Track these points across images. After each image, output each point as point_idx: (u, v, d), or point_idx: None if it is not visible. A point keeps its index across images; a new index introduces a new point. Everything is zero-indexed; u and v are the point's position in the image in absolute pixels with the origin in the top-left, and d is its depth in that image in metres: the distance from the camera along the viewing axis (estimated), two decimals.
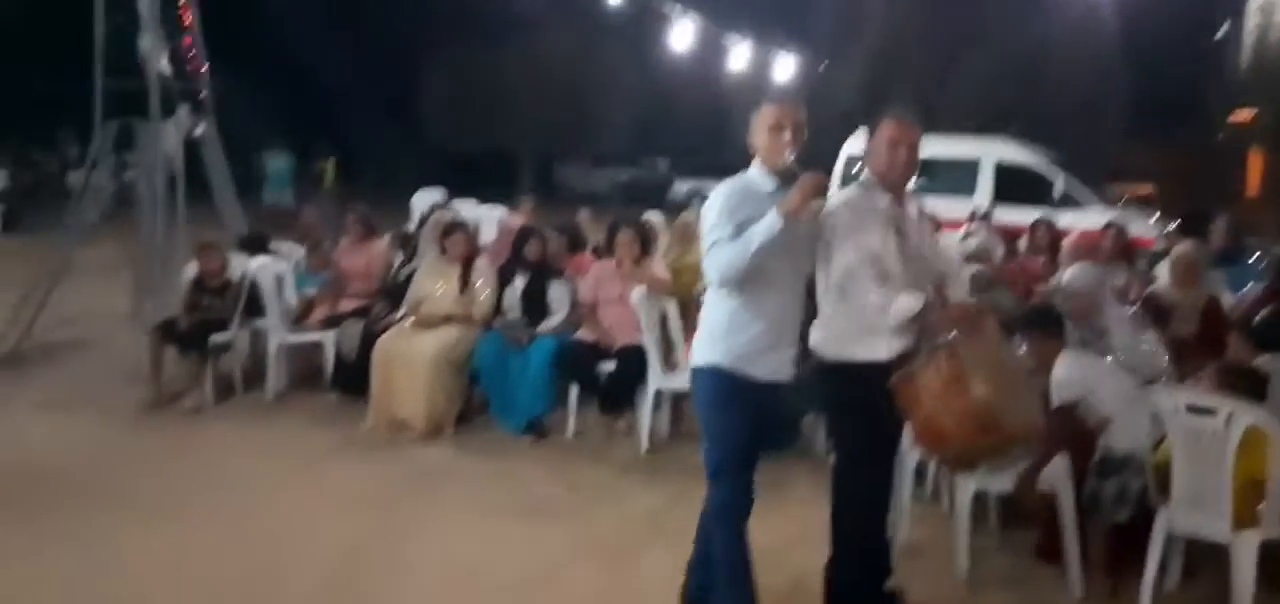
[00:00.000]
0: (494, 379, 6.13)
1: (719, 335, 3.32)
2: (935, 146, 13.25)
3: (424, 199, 11.98)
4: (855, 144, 13.49)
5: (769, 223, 3.08)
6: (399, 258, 7.56)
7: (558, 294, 6.44)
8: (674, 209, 22.91)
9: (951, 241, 8.53)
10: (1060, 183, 12.01)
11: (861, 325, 3.18)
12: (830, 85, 19.33)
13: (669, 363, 5.96)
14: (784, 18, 19.84)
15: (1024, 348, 4.26)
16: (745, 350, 3.27)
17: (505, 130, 28.40)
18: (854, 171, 13.24)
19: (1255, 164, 24.30)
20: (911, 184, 3.40)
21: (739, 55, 15.49)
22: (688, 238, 7.17)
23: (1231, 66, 26.52)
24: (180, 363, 6.72)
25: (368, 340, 6.38)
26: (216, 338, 6.65)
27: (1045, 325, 4.33)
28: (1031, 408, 3.35)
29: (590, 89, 28.14)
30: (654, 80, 26.78)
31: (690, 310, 6.42)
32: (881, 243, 3.18)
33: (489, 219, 10.06)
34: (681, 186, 25.29)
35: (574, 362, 6.11)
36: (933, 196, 12.12)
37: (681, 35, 13.76)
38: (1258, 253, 7.67)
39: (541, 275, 6.48)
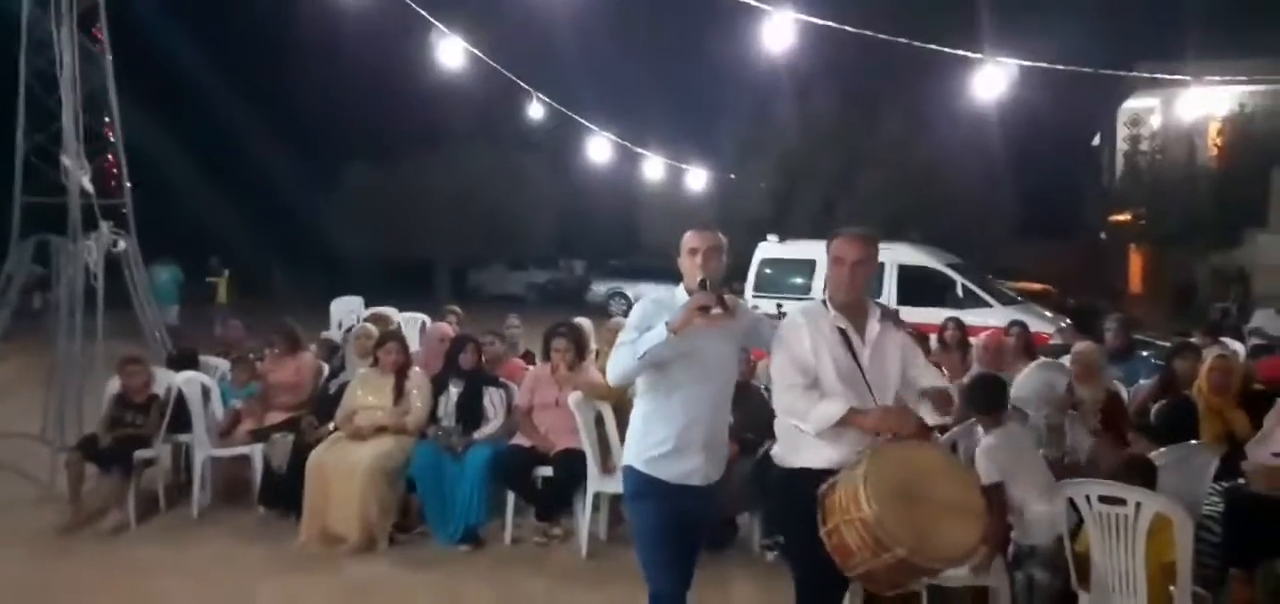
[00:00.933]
0: (429, 488, 6.13)
1: (634, 438, 3.61)
2: None
3: (342, 307, 11.97)
4: (767, 249, 14.02)
5: (655, 334, 3.32)
6: (326, 368, 7.54)
7: (493, 401, 6.51)
8: (593, 310, 23.37)
9: None
10: (960, 283, 12.66)
11: (799, 433, 3.33)
12: (740, 194, 20.01)
13: (606, 466, 6.06)
14: (696, 129, 20.73)
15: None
16: (654, 453, 3.50)
17: (419, 236, 28.46)
18: (768, 273, 13.77)
19: (1136, 262, 26.00)
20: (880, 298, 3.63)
21: (653, 166, 15.95)
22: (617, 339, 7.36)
23: (1107, 172, 28.52)
24: (101, 481, 6.51)
25: (299, 453, 6.32)
26: (140, 454, 6.49)
27: (988, 399, 4.58)
28: (957, 534, 2.92)
29: (506, 195, 28.53)
30: (570, 186, 27.32)
31: (626, 413, 6.58)
32: (814, 354, 3.29)
33: (409, 326, 10.11)
34: (599, 288, 25.73)
35: (510, 468, 6.18)
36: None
37: (598, 148, 14.14)
38: (1145, 350, 8.22)
39: (476, 382, 6.55)
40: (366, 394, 6.45)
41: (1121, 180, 25.95)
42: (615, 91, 21.76)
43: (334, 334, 9.95)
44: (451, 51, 9.52)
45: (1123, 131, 25.89)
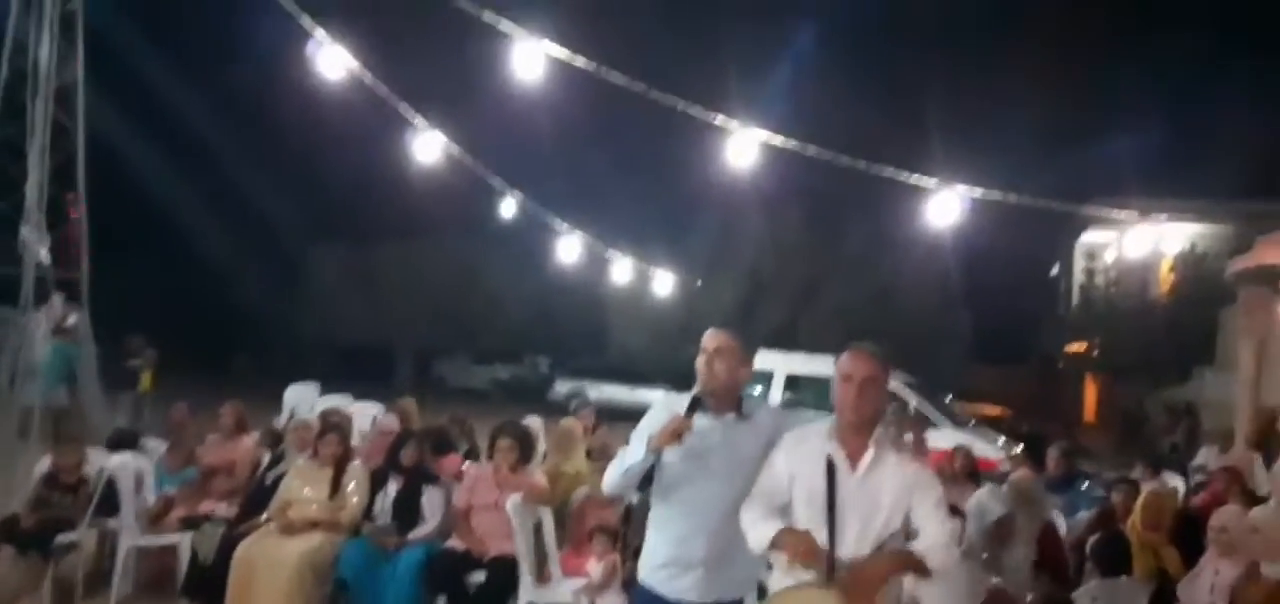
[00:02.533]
0: (360, 589, 5.97)
1: (645, 551, 3.50)
2: (799, 364, 14.06)
3: (296, 394, 11.80)
4: None
5: (635, 448, 3.32)
6: (267, 457, 7.40)
7: (431, 501, 6.41)
8: (555, 409, 23.22)
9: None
10: (913, 402, 12.75)
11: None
12: (706, 301, 20.21)
13: (542, 575, 5.96)
14: (666, 235, 20.99)
15: None
16: (653, 566, 3.43)
17: (383, 324, 28.39)
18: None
19: (1090, 390, 26.38)
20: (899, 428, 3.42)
21: (621, 268, 16.08)
22: (567, 445, 7.31)
23: (1064, 301, 29.12)
24: (16, 564, 6.27)
25: (228, 545, 6.16)
26: (62, 538, 6.29)
27: None
28: None
29: (473, 288, 28.62)
30: (538, 282, 27.43)
31: (568, 520, 6.51)
32: (789, 478, 3.11)
33: (363, 415, 9.97)
34: (562, 387, 25.47)
35: (443, 571, 6.03)
36: (799, 409, 12.98)
37: (568, 249, 14.25)
38: (1087, 480, 8.29)
39: (416, 480, 6.45)
40: (303, 486, 6.33)
41: (1077, 310, 26.51)
42: (586, 192, 22.01)
43: (283, 421, 9.78)
44: (428, 145, 9.67)
45: (1080, 263, 26.55)
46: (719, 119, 8.34)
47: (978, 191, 8.91)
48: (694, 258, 21.35)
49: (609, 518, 6.31)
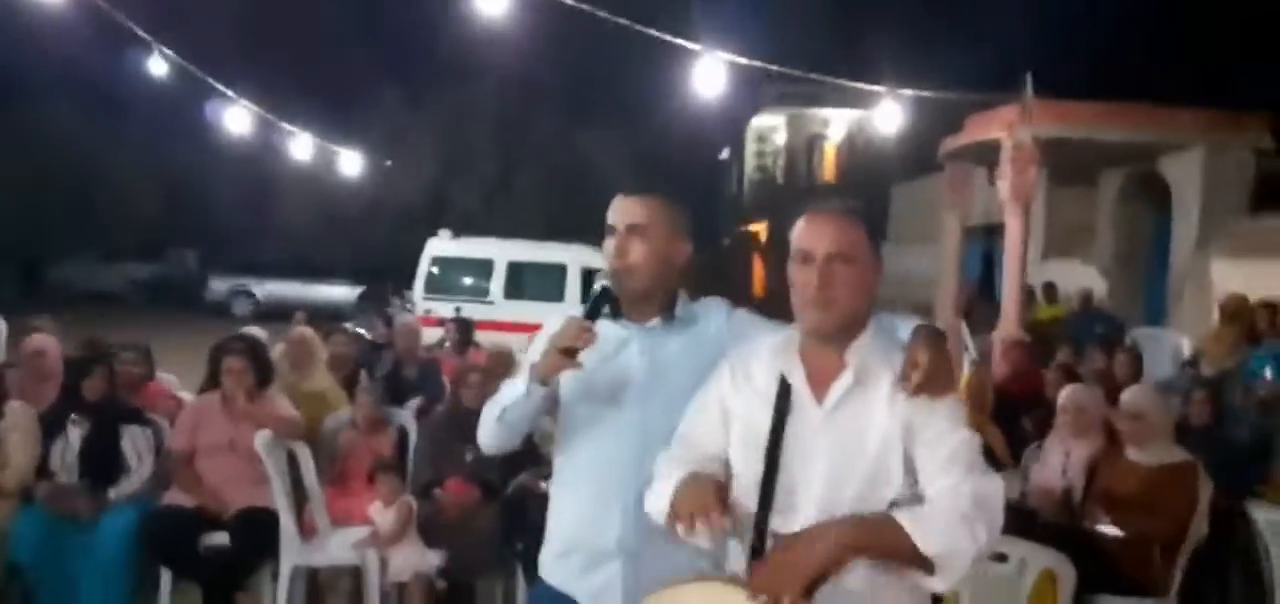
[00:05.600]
0: (43, 574, 4.31)
1: (548, 531, 2.41)
2: (519, 251, 13.16)
3: None
4: (438, 246, 12.84)
5: (514, 386, 2.29)
6: None
7: (135, 445, 4.78)
8: (212, 311, 20.28)
9: None
10: None
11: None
12: (395, 184, 18.47)
13: (305, 528, 4.65)
14: (342, 110, 18.65)
15: None
16: (554, 555, 2.38)
17: None
18: (438, 273, 12.56)
19: (759, 269, 28.10)
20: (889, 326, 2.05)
21: (301, 145, 13.97)
22: (304, 357, 5.87)
23: (737, 183, 30.65)
24: None
25: None
26: None
27: None
28: None
29: (98, 170, 23.93)
30: (179, 159, 23.50)
31: (325, 452, 5.17)
32: (721, 414, 2.08)
33: None
34: (219, 285, 22.22)
35: (165, 536, 4.52)
36: (520, 302, 12.13)
37: (235, 120, 11.96)
38: None
39: (109, 419, 4.77)
40: None
41: (749, 192, 27.94)
42: (251, 52, 18.90)
43: None
44: None
45: (751, 146, 27.89)
46: None
47: (742, 60, 8.44)
48: (381, 136, 19.33)
49: (385, 448, 5.11)
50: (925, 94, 9.53)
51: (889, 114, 8.97)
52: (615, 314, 2.28)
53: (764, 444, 1.96)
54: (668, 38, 7.87)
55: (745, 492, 1.99)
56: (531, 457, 4.86)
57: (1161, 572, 4.02)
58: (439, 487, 4.84)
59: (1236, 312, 7.46)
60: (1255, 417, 5.77)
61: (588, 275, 12.33)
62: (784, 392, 1.98)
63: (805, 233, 1.99)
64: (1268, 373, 6.48)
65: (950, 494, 1.84)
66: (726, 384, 2.09)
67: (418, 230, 13.62)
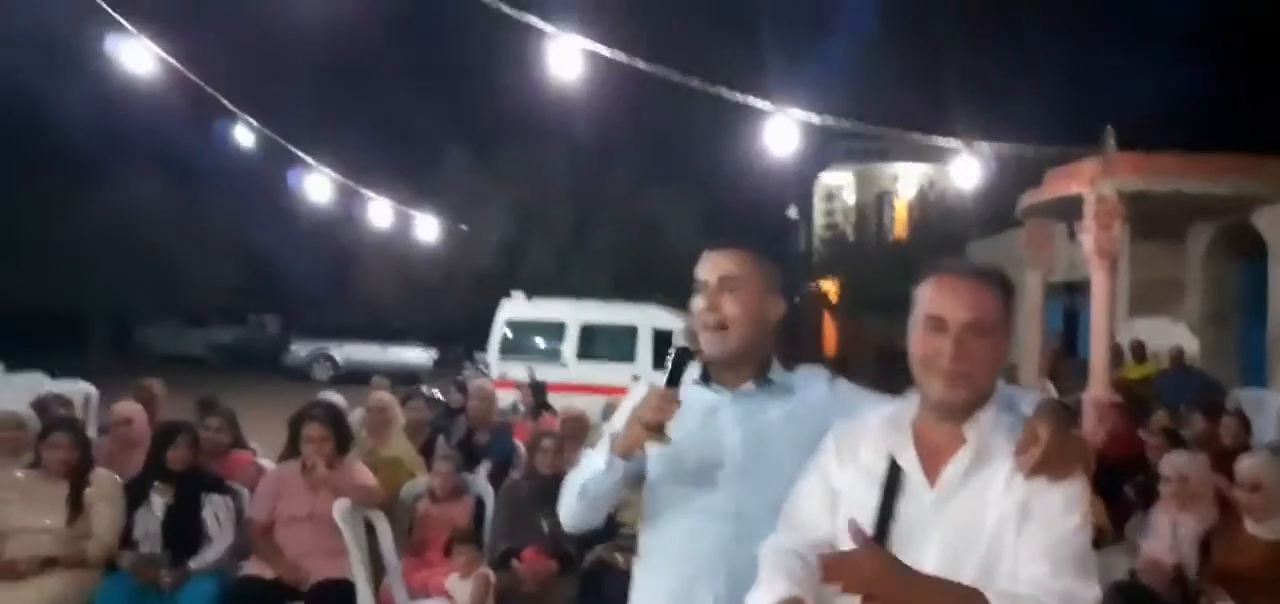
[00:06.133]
0: None
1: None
2: (591, 313, 13.14)
3: None
4: (512, 309, 12.90)
5: (594, 459, 2.15)
6: None
7: (217, 513, 4.80)
8: (292, 375, 20.65)
9: None
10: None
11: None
12: (471, 247, 18.72)
13: (382, 600, 4.60)
14: (417, 173, 19.01)
15: None
16: None
17: (70, 283, 23.79)
18: (512, 336, 12.60)
19: (830, 328, 27.72)
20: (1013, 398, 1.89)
21: (379, 210, 14.23)
22: (382, 423, 5.86)
23: (805, 241, 30.41)
24: None
25: None
26: None
27: None
28: None
29: (181, 236, 24.65)
30: (261, 226, 24.06)
31: (403, 520, 5.14)
32: (827, 496, 1.92)
33: (76, 398, 7.76)
34: (299, 349, 22.69)
35: None
36: (593, 363, 12.10)
37: (316, 188, 12.25)
38: None
39: (192, 489, 4.80)
40: (23, 510, 4.48)
41: (818, 249, 27.70)
42: (331, 121, 19.45)
43: None
44: (133, 53, 7.39)
45: (819, 204, 27.69)
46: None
47: (815, 118, 8.35)
48: (460, 200, 19.68)
49: (461, 517, 5.04)
50: (1003, 146, 9.31)
51: (967, 168, 8.75)
52: (705, 379, 2.18)
53: (871, 531, 1.81)
54: (738, 97, 7.83)
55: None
56: (609, 527, 4.77)
57: None
58: (516, 557, 4.78)
59: None
60: None
61: (659, 336, 12.26)
62: (893, 472, 1.85)
63: (939, 297, 1.83)
64: None
65: (1037, 587, 1.69)
66: (832, 461, 1.95)
67: (492, 293, 13.70)
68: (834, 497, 1.92)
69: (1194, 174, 10.06)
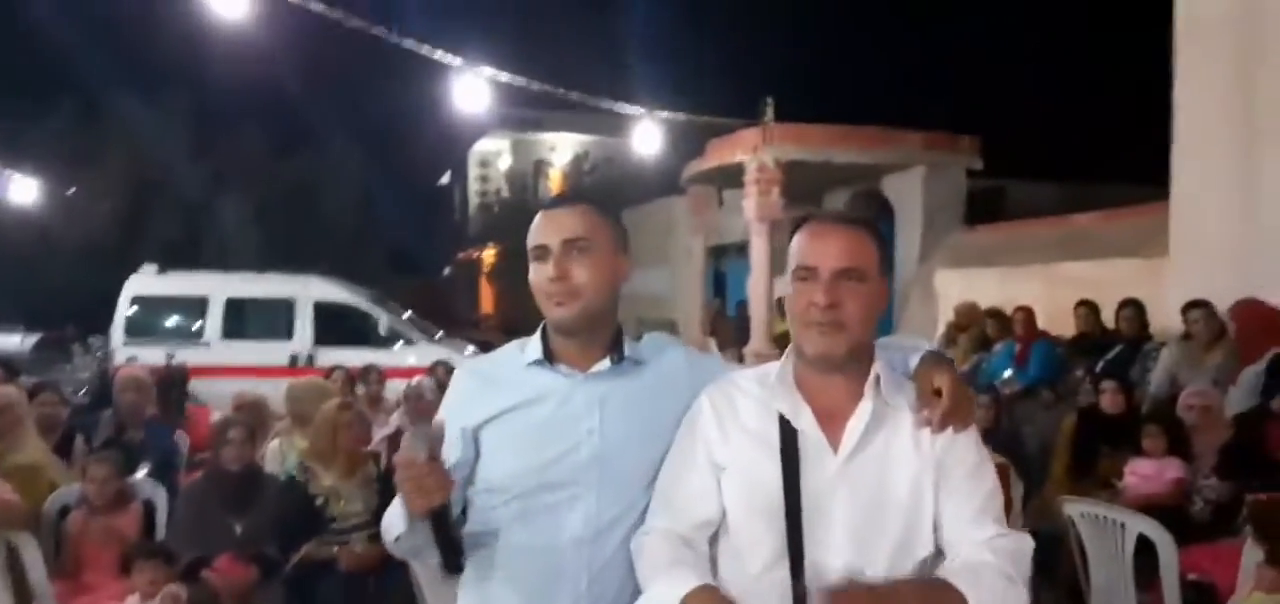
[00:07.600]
0: None
1: None
2: (238, 286, 11.78)
3: None
4: (140, 284, 11.22)
5: (395, 515, 1.77)
6: None
7: None
8: None
9: None
10: (385, 320, 11.57)
11: None
12: (77, 213, 16.08)
13: None
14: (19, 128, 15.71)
15: None
16: None
17: None
18: (142, 315, 10.99)
19: (487, 293, 27.60)
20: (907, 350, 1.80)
21: None
22: (10, 422, 4.71)
23: (459, 208, 29.97)
24: None
25: None
26: None
27: None
28: None
29: None
30: None
31: (46, 540, 4.17)
32: (711, 472, 1.72)
33: None
34: None
35: None
36: (242, 342, 10.86)
37: None
38: None
39: None
40: None
41: (474, 215, 27.43)
42: None
43: None
44: None
45: (474, 172, 27.41)
46: None
47: (504, 76, 8.07)
48: (60, 159, 16.72)
49: (129, 527, 4.22)
50: (674, 117, 9.67)
51: (647, 135, 8.98)
52: (548, 360, 1.85)
53: (775, 504, 1.64)
54: (428, 51, 7.35)
55: (759, 562, 1.66)
56: (314, 521, 4.23)
57: None
58: (207, 566, 4.06)
59: (968, 319, 8.10)
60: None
61: (321, 309, 11.30)
62: (788, 438, 1.67)
63: (809, 245, 1.70)
64: (1006, 373, 7.07)
65: (989, 551, 1.62)
66: (712, 431, 1.74)
67: (107, 265, 11.84)
68: (718, 471, 1.72)
69: (840, 144, 11.04)
